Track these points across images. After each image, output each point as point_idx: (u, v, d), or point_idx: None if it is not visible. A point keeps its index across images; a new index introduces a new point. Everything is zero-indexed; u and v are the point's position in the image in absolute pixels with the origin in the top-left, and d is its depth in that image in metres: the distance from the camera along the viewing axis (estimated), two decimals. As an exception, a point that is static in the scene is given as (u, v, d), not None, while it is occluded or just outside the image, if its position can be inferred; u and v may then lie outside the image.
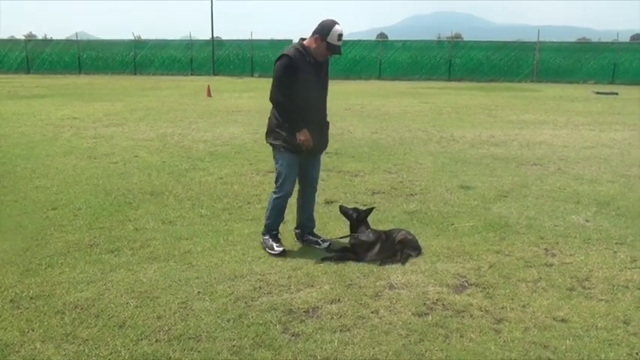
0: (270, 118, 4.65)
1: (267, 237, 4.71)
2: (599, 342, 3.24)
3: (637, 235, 5.14)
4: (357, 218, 4.65)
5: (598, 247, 4.81)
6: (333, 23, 4.37)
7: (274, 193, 4.72)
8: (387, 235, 4.61)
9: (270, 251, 4.59)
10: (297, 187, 4.84)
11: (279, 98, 4.45)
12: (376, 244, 4.50)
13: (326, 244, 4.80)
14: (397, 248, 4.48)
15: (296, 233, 4.99)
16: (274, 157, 4.70)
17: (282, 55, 4.41)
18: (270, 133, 4.63)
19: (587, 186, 7.00)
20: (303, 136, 4.44)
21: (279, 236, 4.77)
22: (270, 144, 4.66)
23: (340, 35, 4.37)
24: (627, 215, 5.76)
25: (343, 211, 4.77)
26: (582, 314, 3.57)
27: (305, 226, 4.94)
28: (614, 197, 6.45)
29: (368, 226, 4.64)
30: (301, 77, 4.39)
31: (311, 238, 4.89)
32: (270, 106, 4.62)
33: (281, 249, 4.60)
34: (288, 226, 5.11)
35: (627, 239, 5.02)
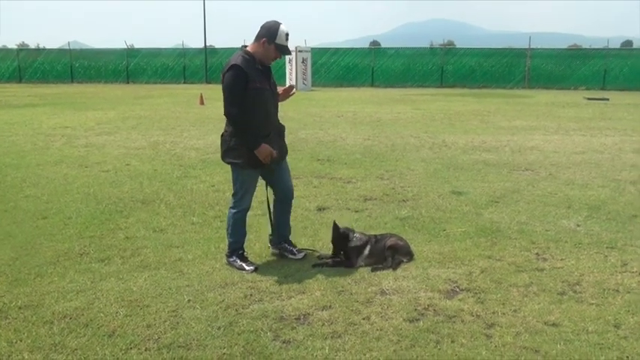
0: (223, 136, 4.41)
1: (233, 259, 4.47)
2: (589, 346, 3.24)
3: (627, 239, 5.16)
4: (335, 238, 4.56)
5: (589, 252, 4.82)
6: (278, 24, 4.21)
7: (232, 208, 4.50)
8: (378, 239, 4.60)
9: (242, 272, 4.36)
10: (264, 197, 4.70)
11: (234, 112, 4.22)
12: (366, 247, 4.48)
13: (301, 255, 4.65)
14: (388, 254, 4.47)
15: (270, 239, 4.79)
16: (233, 174, 4.49)
17: (232, 66, 4.18)
18: (229, 152, 4.37)
19: (578, 191, 7.03)
20: (263, 153, 4.24)
21: (246, 255, 4.55)
22: (230, 163, 4.42)
23: (287, 35, 4.21)
24: (618, 219, 5.78)
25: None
26: (573, 318, 3.57)
27: (281, 234, 4.75)
28: (605, 202, 6.48)
29: (352, 230, 4.61)
30: (252, 86, 4.18)
31: (286, 246, 4.72)
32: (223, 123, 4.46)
33: (252, 267, 4.38)
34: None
35: (618, 243, 5.04)
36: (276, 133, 4.47)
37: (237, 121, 4.26)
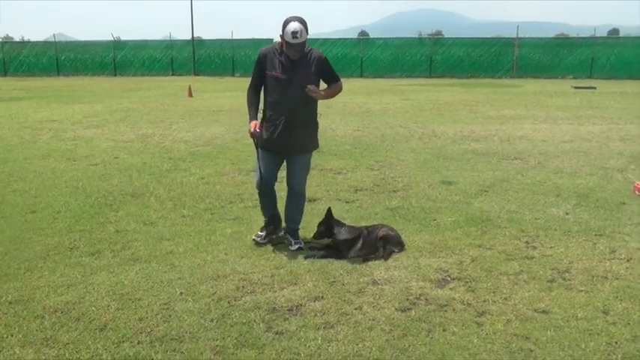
0: None
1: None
2: (579, 332, 3.28)
3: (615, 226, 5.22)
4: (323, 223, 4.68)
5: (578, 239, 4.87)
6: (289, 20, 4.25)
7: None
8: (370, 230, 4.61)
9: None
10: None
11: (247, 91, 4.63)
12: (358, 240, 4.50)
13: (295, 247, 4.68)
14: (379, 244, 4.49)
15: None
16: None
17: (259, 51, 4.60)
18: None
19: (566, 179, 7.09)
20: (250, 128, 4.51)
21: (265, 225, 4.86)
22: None
23: (294, 33, 4.20)
24: (606, 207, 5.84)
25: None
26: (563, 305, 3.61)
27: (286, 224, 4.91)
28: (593, 189, 6.54)
29: (340, 223, 4.65)
30: (269, 73, 4.45)
31: (287, 236, 4.83)
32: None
33: (257, 238, 4.76)
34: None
35: (606, 230, 5.09)
36: (287, 123, 4.50)
37: (246, 99, 4.64)
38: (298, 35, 4.22)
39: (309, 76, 4.45)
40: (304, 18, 4.31)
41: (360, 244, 4.49)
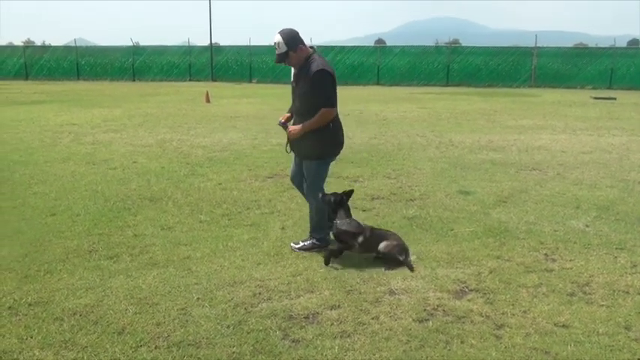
0: None
1: None
2: (600, 348, 3.22)
3: (637, 240, 5.13)
4: (335, 202, 4.63)
5: (598, 252, 4.80)
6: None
7: None
8: (373, 232, 4.58)
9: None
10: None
11: None
12: (359, 236, 4.48)
13: (295, 247, 4.82)
14: (379, 255, 4.49)
15: None
16: None
17: None
18: None
19: (586, 191, 7.00)
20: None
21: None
22: None
23: (274, 44, 4.58)
24: (627, 220, 5.75)
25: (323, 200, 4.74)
26: (583, 320, 3.55)
27: None
28: (614, 202, 6.45)
29: (349, 214, 4.63)
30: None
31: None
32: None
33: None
34: (289, 233, 5.10)
35: (627, 244, 5.01)
36: None
37: None
38: (276, 46, 4.58)
39: (306, 88, 4.63)
40: (295, 28, 4.73)
41: (360, 239, 4.47)
